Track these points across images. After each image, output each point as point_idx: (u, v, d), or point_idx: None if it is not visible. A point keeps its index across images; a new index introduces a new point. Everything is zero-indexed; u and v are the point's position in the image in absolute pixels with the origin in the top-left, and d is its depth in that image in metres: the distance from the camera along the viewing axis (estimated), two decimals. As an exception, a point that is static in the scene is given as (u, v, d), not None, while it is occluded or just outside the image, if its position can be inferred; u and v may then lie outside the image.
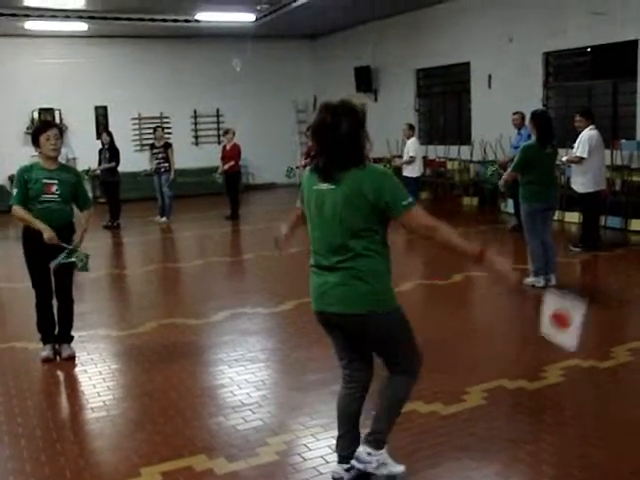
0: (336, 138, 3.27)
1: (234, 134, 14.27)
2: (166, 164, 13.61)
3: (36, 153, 5.66)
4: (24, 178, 5.56)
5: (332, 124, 3.27)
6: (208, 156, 17.54)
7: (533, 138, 7.83)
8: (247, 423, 4.50)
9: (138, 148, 18.16)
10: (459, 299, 7.79)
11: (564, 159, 9.71)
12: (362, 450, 3.54)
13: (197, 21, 15.75)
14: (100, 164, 13.44)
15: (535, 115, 7.88)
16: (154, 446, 4.23)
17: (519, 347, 6.03)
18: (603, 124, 10.84)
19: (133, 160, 15.70)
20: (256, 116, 19.13)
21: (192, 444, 4.23)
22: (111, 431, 4.52)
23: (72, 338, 5.96)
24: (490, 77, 14.08)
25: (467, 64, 14.87)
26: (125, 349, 6.19)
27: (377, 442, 3.55)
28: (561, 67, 13.07)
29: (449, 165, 15.59)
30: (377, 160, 17.72)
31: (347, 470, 3.63)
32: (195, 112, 19.29)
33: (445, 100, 16.54)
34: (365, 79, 17.82)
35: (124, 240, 12.44)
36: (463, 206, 14.58)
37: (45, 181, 5.54)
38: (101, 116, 18.11)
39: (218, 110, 19.47)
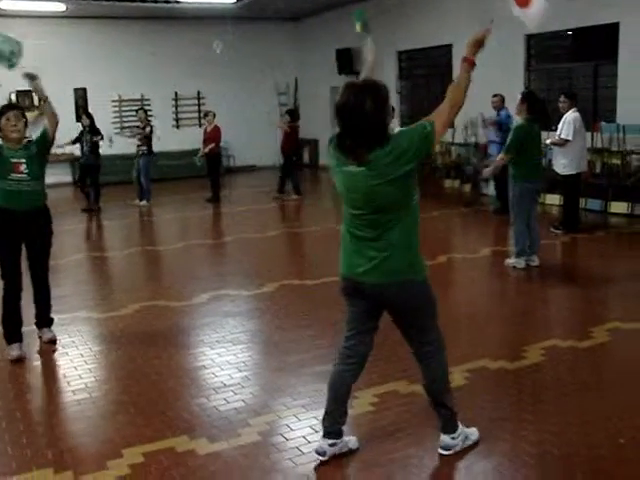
0: (361, 118, 3.27)
1: (214, 116, 14.21)
2: (144, 147, 13.55)
3: None
4: None
5: (356, 104, 3.27)
6: (189, 139, 17.47)
7: (517, 119, 7.86)
8: (229, 404, 4.51)
9: (118, 130, 18.01)
10: (442, 280, 7.81)
11: (548, 141, 9.74)
12: (445, 439, 3.75)
13: (177, 2, 15.58)
14: (82, 147, 13.29)
15: (525, 95, 7.93)
16: (136, 427, 4.23)
17: (500, 328, 6.06)
18: (584, 106, 10.86)
19: (113, 142, 15.54)
20: (237, 98, 19.03)
21: (174, 425, 4.23)
22: (93, 413, 4.51)
23: (52, 321, 5.93)
24: (472, 59, 14.03)
25: (449, 46, 14.83)
26: (107, 331, 6.17)
27: (452, 425, 3.76)
28: (543, 49, 13.08)
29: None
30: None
31: (331, 445, 3.73)
32: (176, 94, 19.13)
33: (427, 82, 16.51)
34: (347, 61, 17.75)
35: (104, 223, 12.35)
36: (445, 188, 14.60)
37: (13, 160, 5.41)
38: (80, 98, 17.92)
39: (199, 92, 19.33)
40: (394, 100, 16.66)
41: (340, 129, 3.40)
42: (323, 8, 18.20)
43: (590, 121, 11.18)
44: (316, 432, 4.02)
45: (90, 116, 13.33)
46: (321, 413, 3.83)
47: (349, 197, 3.46)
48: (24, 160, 5.45)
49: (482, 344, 5.48)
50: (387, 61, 16.81)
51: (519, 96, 7.95)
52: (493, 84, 12.30)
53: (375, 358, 5.11)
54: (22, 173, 5.42)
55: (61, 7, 15.65)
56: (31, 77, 5.53)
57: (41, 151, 5.58)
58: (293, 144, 14.22)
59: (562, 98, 9.66)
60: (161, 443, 4.01)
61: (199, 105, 19.30)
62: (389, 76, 16.85)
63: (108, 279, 8.65)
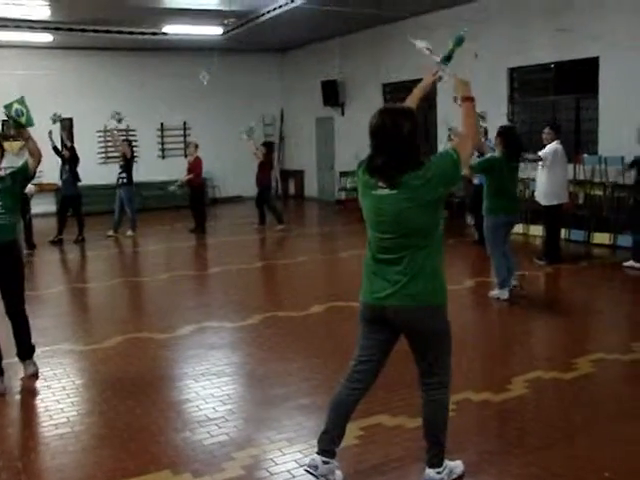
0: (396, 140, 3.38)
1: (196, 147, 14.32)
2: (124, 175, 13.44)
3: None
4: None
5: (392, 127, 3.40)
6: (175, 169, 17.46)
7: (497, 152, 7.94)
8: (213, 438, 4.47)
9: (103, 161, 18.03)
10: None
11: (528, 156, 9.86)
12: (430, 473, 3.71)
13: (164, 34, 15.73)
14: (61, 177, 13.22)
15: (502, 131, 8.02)
16: (119, 462, 4.18)
17: (484, 360, 6.06)
18: (567, 138, 11.00)
19: (97, 173, 15.57)
20: (223, 129, 19.10)
21: (157, 460, 4.19)
22: (75, 447, 4.46)
23: (34, 349, 5.80)
24: (456, 92, 14.18)
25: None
26: (89, 364, 6.12)
27: (440, 459, 3.72)
28: (525, 82, 13.25)
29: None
30: (344, 174, 17.83)
31: (324, 463, 3.71)
32: (162, 125, 19.21)
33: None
34: (332, 93, 17.92)
35: (88, 254, 12.29)
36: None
37: None
38: (66, 128, 17.88)
39: (185, 123, 19.42)
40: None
41: (373, 151, 3.48)
42: (309, 40, 18.38)
43: (572, 153, 11.31)
44: (300, 466, 4.00)
45: (72, 148, 13.25)
46: (305, 447, 3.82)
47: (377, 221, 3.51)
48: None
49: (466, 376, 5.46)
50: (372, 94, 16.97)
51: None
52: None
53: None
54: None
55: (48, 38, 15.73)
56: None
57: (18, 183, 5.51)
58: (267, 175, 14.32)
59: (547, 130, 9.78)
60: (144, 478, 3.96)
61: (185, 136, 19.37)
62: (375, 109, 16.95)
63: (91, 311, 8.60)
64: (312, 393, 5.21)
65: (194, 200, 14.15)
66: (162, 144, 19.29)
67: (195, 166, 14.05)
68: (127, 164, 13.53)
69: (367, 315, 3.65)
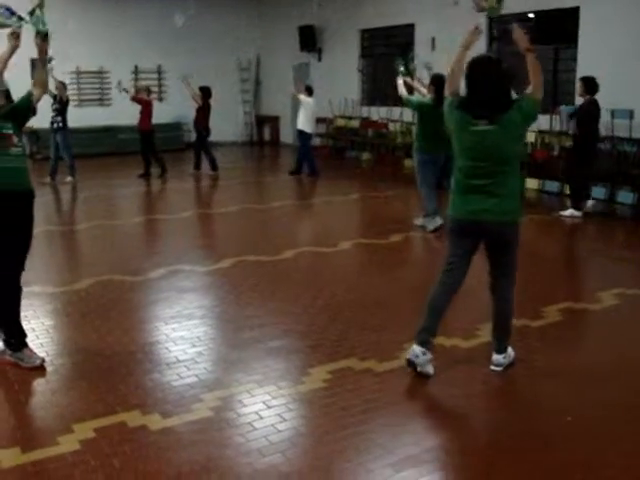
0: (497, 83, 4.17)
1: (149, 91, 14.24)
2: (59, 118, 12.76)
3: None
4: None
5: (493, 72, 4.19)
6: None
7: (428, 98, 8.73)
8: (182, 379, 4.48)
9: (77, 103, 17.71)
10: (402, 257, 7.89)
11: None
12: (498, 357, 4.52)
13: (138, -27, 15.35)
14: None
15: (432, 79, 8.75)
16: (87, 403, 4.18)
17: (453, 305, 6.10)
18: (544, 89, 10.96)
19: (70, 115, 15.25)
20: (199, 74, 18.72)
21: (126, 400, 4.20)
22: (44, 388, 4.45)
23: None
24: (434, 40, 14.08)
25: (411, 26, 14.84)
26: (60, 306, 6.08)
27: (505, 347, 4.55)
28: (505, 32, 13.13)
29: (391, 127, 15.62)
30: (320, 120, 17.70)
31: (423, 353, 4.40)
32: (136, 68, 18.86)
33: (389, 61, 16.49)
34: (309, 38, 17.68)
35: (62, 197, 12.15)
36: (404, 168, 14.64)
37: (3, 131, 4.53)
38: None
39: (160, 66, 19.09)
40: (355, 78, 16.67)
41: (474, 94, 4.19)
42: (287, -16, 18.06)
43: (550, 104, 11.29)
44: (269, 408, 4.04)
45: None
46: (273, 389, 3.89)
47: (473, 151, 4.21)
48: (12, 131, 4.59)
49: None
50: (349, 40, 16.78)
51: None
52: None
53: (324, 338, 5.17)
54: (17, 146, 4.58)
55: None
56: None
57: (22, 120, 4.77)
58: (205, 120, 14.12)
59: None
60: (113, 418, 3.96)
61: (160, 79, 19.06)
62: (352, 54, 16.83)
63: (62, 253, 8.51)
64: (281, 336, 5.23)
65: (143, 145, 13.84)
66: (136, 87, 18.92)
67: (144, 109, 13.69)
68: (62, 107, 12.81)
69: (459, 228, 4.39)
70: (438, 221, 8.42)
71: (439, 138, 8.39)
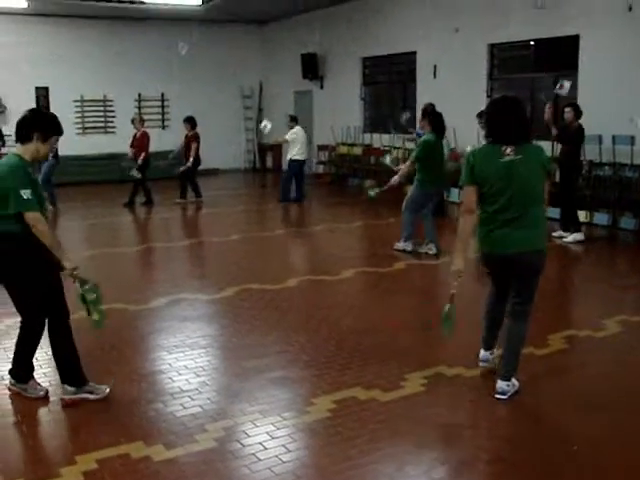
0: (522, 117, 4.49)
1: (142, 121, 14.19)
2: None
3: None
4: (30, 176, 4.40)
5: (517, 108, 4.49)
6: (153, 141, 17.30)
7: (426, 134, 8.77)
8: (186, 410, 4.46)
9: (80, 131, 17.83)
10: (409, 285, 7.87)
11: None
12: (502, 384, 4.58)
13: (142, 2, 15.45)
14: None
15: (426, 112, 8.99)
16: (90, 434, 4.17)
17: (457, 334, 6.08)
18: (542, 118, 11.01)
19: (74, 144, 15.37)
20: (201, 101, 18.92)
21: (129, 431, 4.18)
22: (47, 418, 4.44)
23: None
24: (435, 67, 14.17)
25: (413, 53, 14.94)
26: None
27: (510, 375, 4.61)
28: (505, 59, 13.23)
29: (393, 154, 15.64)
30: (322, 147, 17.79)
31: (491, 354, 4.94)
32: (139, 96, 18.98)
33: (391, 89, 16.61)
34: (311, 66, 17.78)
35: (68, 224, 12.18)
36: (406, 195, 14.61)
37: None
38: (42, 97, 17.65)
39: (163, 94, 19.21)
40: (358, 106, 16.76)
41: (502, 127, 4.41)
42: (289, 12, 18.20)
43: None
44: (273, 438, 4.02)
45: None
46: (278, 420, 3.95)
47: (501, 184, 4.36)
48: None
49: (439, 351, 5.51)
50: (351, 68, 16.89)
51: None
52: (458, 92, 12.45)
53: (328, 367, 5.15)
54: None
55: (22, 4, 15.36)
56: None
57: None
58: (197, 150, 14.09)
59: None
60: (116, 449, 3.94)
61: (163, 107, 19.18)
62: (354, 82, 16.93)
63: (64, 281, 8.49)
64: (285, 366, 5.21)
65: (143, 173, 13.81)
66: (140, 115, 19.02)
67: (142, 142, 13.78)
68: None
69: (496, 263, 4.61)
70: (433, 249, 8.85)
71: (441, 169, 8.95)
